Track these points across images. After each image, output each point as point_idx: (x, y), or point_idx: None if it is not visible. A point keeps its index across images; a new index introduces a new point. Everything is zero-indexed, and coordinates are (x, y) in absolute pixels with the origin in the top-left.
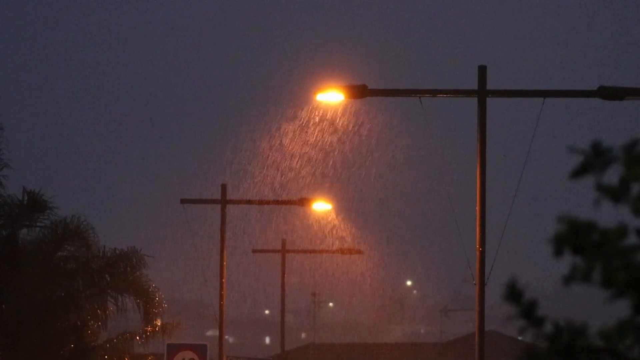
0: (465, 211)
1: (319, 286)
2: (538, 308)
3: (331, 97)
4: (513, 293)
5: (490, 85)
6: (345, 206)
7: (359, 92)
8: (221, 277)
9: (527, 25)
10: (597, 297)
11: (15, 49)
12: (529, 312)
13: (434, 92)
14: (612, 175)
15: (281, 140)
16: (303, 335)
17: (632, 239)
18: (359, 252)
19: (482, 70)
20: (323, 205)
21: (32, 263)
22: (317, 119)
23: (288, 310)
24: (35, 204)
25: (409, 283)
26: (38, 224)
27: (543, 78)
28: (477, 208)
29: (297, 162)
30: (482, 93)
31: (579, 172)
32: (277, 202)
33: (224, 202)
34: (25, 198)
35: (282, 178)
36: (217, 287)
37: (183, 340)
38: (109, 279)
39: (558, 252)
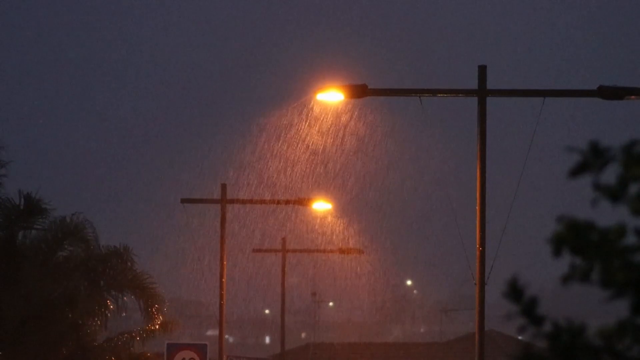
0: (465, 211)
1: (319, 286)
2: (538, 306)
3: (331, 96)
4: (514, 291)
5: (490, 85)
6: (345, 206)
7: (359, 91)
8: (221, 277)
9: (527, 25)
10: (597, 297)
11: (17, 49)
12: (529, 311)
13: (434, 92)
14: (610, 175)
15: (281, 140)
16: (303, 335)
17: (630, 239)
18: (360, 251)
19: (482, 70)
20: (323, 205)
21: (32, 263)
22: (317, 119)
23: (288, 310)
24: (32, 208)
25: (409, 283)
26: (35, 226)
27: (543, 78)
28: (477, 208)
29: (297, 162)
30: (482, 93)
31: (576, 171)
32: (277, 201)
33: (224, 201)
34: (22, 201)
35: (282, 177)
36: (217, 287)
37: (183, 340)
38: (107, 276)
39: (557, 252)
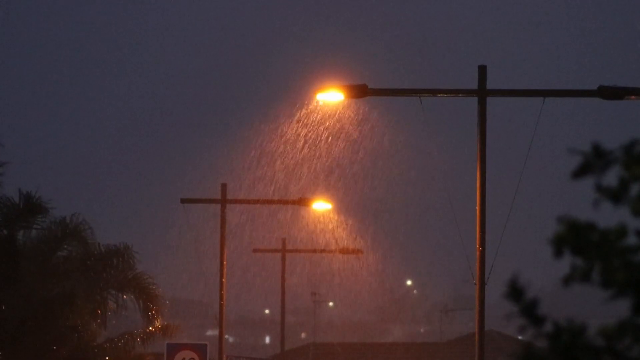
0: (465, 211)
1: (319, 286)
2: (539, 307)
3: (331, 96)
4: (514, 291)
5: (490, 85)
6: (345, 206)
7: (359, 91)
8: (221, 277)
9: (527, 25)
10: (596, 298)
11: (15, 49)
12: (529, 311)
13: (434, 92)
14: (612, 177)
15: (281, 140)
16: (303, 335)
17: (631, 239)
18: (359, 251)
19: (482, 70)
20: (323, 205)
21: (31, 263)
22: (317, 119)
23: (288, 310)
24: (32, 207)
25: (409, 283)
26: (35, 225)
27: (543, 78)
28: (477, 208)
29: (297, 162)
30: (482, 93)
31: (579, 173)
32: (277, 201)
33: (224, 201)
34: (22, 200)
35: (282, 177)
36: (217, 287)
37: (183, 340)
38: (106, 276)
39: (558, 253)
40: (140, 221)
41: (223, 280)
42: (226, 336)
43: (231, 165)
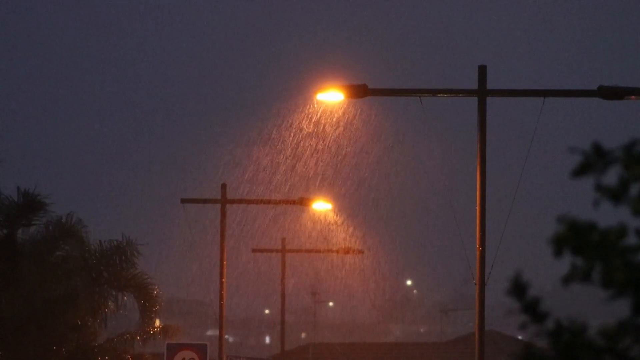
0: (465, 211)
1: (319, 286)
2: (541, 304)
3: (331, 96)
4: (517, 287)
5: (490, 85)
6: (345, 206)
7: (359, 91)
8: (221, 277)
9: (527, 25)
10: (596, 298)
11: (15, 48)
12: (531, 307)
13: (434, 92)
14: (612, 176)
15: (281, 140)
16: (303, 335)
17: (631, 239)
18: (360, 251)
19: (482, 70)
20: (323, 205)
21: (31, 263)
22: (317, 119)
23: (288, 310)
24: (31, 204)
25: (409, 283)
26: (33, 222)
27: (543, 78)
28: (477, 208)
29: (297, 162)
30: (482, 93)
31: (579, 172)
32: (277, 201)
33: (224, 201)
34: (21, 198)
35: (283, 177)
36: (217, 287)
37: (183, 340)
38: (106, 275)
39: (558, 252)
40: (140, 221)
41: (223, 280)
42: (226, 336)
43: (231, 165)
